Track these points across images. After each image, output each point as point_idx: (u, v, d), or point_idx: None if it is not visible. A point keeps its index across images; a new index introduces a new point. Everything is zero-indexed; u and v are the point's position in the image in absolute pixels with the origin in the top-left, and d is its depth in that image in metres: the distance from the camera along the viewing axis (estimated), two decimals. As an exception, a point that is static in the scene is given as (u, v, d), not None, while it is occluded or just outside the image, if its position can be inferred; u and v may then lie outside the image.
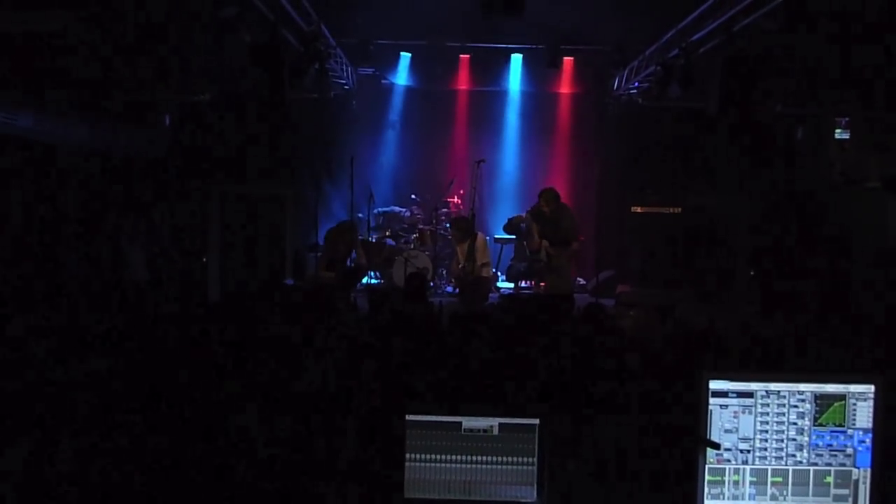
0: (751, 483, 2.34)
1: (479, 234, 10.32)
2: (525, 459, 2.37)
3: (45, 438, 3.09)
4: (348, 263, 10.09)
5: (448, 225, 10.95)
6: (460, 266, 9.80)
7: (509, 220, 11.01)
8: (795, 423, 2.34)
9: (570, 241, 9.37)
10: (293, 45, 8.58)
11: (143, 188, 11.11)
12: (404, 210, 11.41)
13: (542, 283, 9.92)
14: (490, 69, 11.91)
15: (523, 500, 2.38)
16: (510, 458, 2.37)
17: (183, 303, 7.76)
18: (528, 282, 10.69)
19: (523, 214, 10.76)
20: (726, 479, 2.34)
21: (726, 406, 2.34)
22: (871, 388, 2.33)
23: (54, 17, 6.39)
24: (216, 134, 11.27)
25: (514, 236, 11.00)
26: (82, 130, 9.07)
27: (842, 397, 2.33)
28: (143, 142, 10.69)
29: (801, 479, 2.34)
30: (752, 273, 9.24)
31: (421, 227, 11.02)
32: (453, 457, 2.37)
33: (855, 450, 2.33)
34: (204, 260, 10.70)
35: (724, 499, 2.34)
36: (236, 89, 9.65)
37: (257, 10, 7.38)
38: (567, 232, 9.36)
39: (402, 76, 11.89)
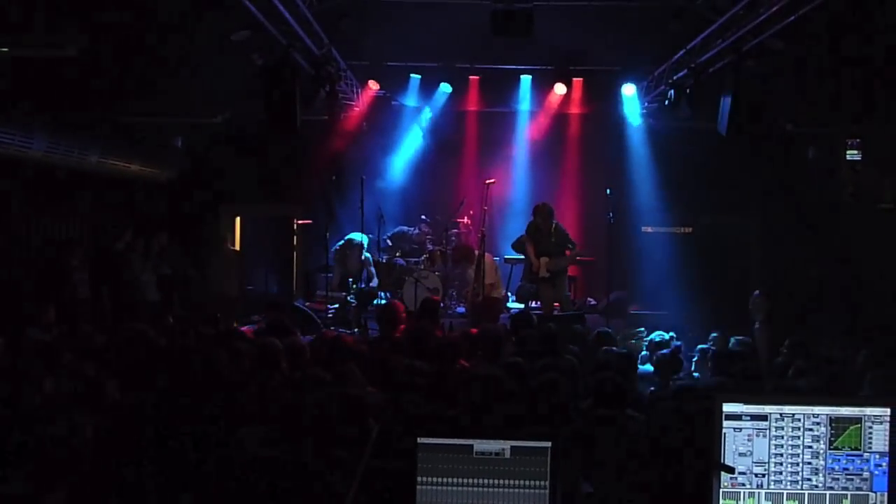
0: (766, 507, 2.31)
1: (487, 255, 10.35)
2: (537, 483, 2.35)
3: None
4: (361, 284, 10.11)
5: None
6: (471, 289, 9.87)
7: (520, 237, 11.00)
8: (811, 447, 2.31)
9: (565, 250, 9.56)
10: (304, 67, 8.65)
11: (155, 210, 11.20)
12: (413, 229, 11.41)
13: (538, 301, 9.94)
14: (499, 90, 11.93)
15: (535, 525, 2.35)
16: (522, 482, 2.35)
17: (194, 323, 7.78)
18: (538, 302, 10.66)
19: None
20: (741, 503, 2.31)
21: (740, 429, 2.32)
22: (887, 411, 2.30)
23: (71, 41, 6.47)
24: (228, 156, 11.35)
25: (522, 256, 10.98)
26: (95, 152, 9.16)
27: (857, 420, 2.30)
28: (156, 164, 10.78)
29: (817, 503, 2.30)
30: (763, 292, 9.15)
31: (431, 247, 11.03)
32: (465, 480, 2.35)
33: (871, 474, 2.30)
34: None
35: (739, 523, 2.31)
36: (248, 112, 9.72)
37: (269, 34, 7.45)
38: (560, 242, 9.57)
39: (411, 97, 11.94)
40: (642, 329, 8.34)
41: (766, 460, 2.31)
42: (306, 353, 5.35)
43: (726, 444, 2.31)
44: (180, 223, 11.09)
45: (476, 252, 10.33)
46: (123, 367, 4.90)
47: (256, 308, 10.20)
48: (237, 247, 11.84)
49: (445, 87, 11.63)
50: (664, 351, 6.01)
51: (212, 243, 10.74)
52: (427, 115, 11.93)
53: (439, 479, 2.35)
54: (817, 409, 2.31)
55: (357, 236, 10.27)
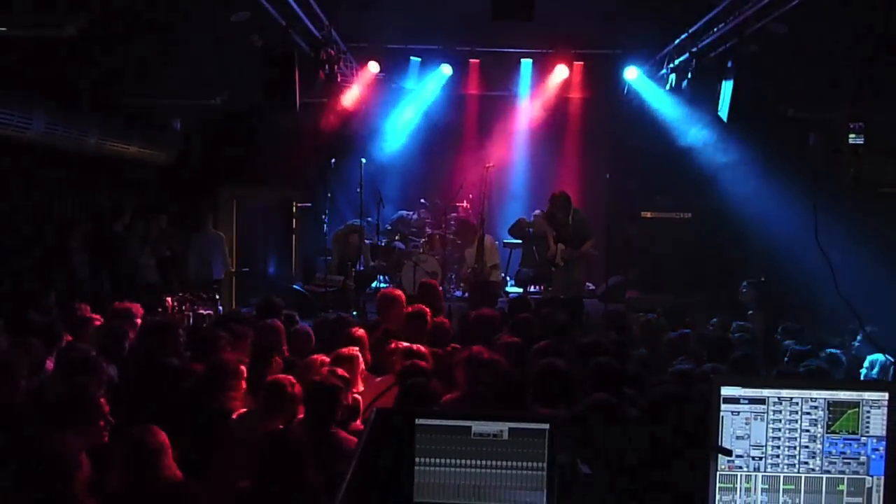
0: (762, 490, 2.31)
1: (488, 237, 10.34)
2: (535, 464, 2.35)
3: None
4: (359, 267, 10.11)
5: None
6: (470, 270, 9.87)
7: (517, 221, 10.96)
8: (808, 431, 2.32)
9: (583, 242, 9.62)
10: (304, 49, 8.60)
11: (154, 192, 11.17)
12: (412, 213, 11.40)
13: (550, 288, 9.94)
14: (500, 74, 11.86)
15: (533, 506, 2.37)
16: (520, 463, 2.35)
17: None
18: (537, 286, 10.67)
19: (530, 219, 10.70)
20: (738, 486, 2.32)
21: (738, 412, 2.32)
22: (885, 395, 2.30)
23: (69, 21, 6.42)
24: (227, 138, 11.30)
25: (520, 241, 10.95)
26: (94, 134, 9.13)
27: (855, 405, 2.30)
28: (155, 145, 10.74)
29: (813, 486, 2.31)
30: (762, 279, 9.16)
31: (430, 231, 11.01)
32: (463, 461, 2.36)
33: (868, 458, 2.31)
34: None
35: (735, 506, 2.32)
36: (247, 94, 9.68)
37: (269, 15, 7.40)
38: (580, 231, 9.61)
39: (411, 80, 11.87)
40: (640, 314, 8.35)
41: (764, 444, 2.32)
42: (311, 338, 5.37)
43: (724, 427, 2.31)
44: (179, 205, 11.07)
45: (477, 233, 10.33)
46: (120, 348, 4.92)
47: (255, 291, 10.22)
48: (234, 229, 11.83)
49: (446, 70, 11.56)
50: (673, 334, 6.02)
51: (197, 225, 10.70)
52: (435, 93, 11.86)
53: (437, 460, 2.36)
54: (815, 393, 2.31)
55: (357, 221, 10.27)
